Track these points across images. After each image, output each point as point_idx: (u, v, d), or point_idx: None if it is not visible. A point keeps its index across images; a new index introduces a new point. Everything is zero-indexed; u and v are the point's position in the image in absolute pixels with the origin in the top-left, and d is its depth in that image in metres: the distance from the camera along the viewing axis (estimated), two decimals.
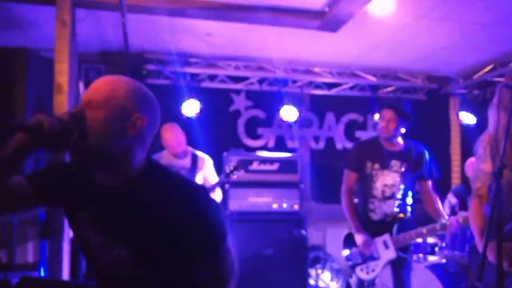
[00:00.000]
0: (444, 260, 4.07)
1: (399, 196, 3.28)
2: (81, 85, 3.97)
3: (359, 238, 3.26)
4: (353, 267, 3.37)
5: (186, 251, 1.37)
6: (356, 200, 3.44)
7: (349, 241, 3.41)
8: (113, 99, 1.28)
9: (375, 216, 3.30)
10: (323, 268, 5.31)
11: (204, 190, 1.42)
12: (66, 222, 3.04)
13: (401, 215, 3.27)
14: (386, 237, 3.25)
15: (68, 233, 3.14)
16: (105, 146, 1.27)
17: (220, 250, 1.43)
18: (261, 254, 4.70)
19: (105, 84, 1.32)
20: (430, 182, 3.37)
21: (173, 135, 4.09)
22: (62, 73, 3.08)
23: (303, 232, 4.81)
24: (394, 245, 3.23)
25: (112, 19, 3.73)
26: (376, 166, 3.28)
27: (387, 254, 3.24)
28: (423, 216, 3.41)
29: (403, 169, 3.27)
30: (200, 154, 4.29)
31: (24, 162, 1.29)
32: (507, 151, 1.97)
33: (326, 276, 5.28)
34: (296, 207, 4.96)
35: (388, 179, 3.27)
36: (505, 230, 2.04)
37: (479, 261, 1.82)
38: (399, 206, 3.29)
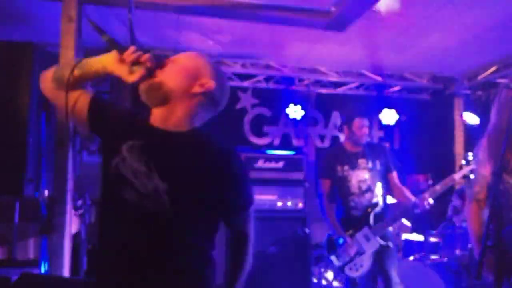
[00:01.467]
0: (446, 259, 4.10)
1: (374, 188, 3.50)
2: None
3: (340, 242, 3.46)
4: (341, 268, 3.48)
5: (220, 200, 1.51)
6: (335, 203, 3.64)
7: (332, 244, 3.55)
8: (195, 61, 1.53)
9: (357, 212, 3.49)
10: (326, 266, 5.33)
11: (242, 162, 1.63)
12: (67, 219, 3.05)
13: (373, 206, 3.47)
14: (365, 230, 3.42)
15: (70, 230, 3.15)
16: (170, 87, 1.46)
17: (248, 210, 1.60)
18: (265, 252, 4.73)
19: (193, 53, 1.58)
20: (395, 174, 3.60)
21: None
22: None
23: (307, 230, 4.84)
24: (374, 235, 3.40)
25: (119, 15, 3.76)
26: (346, 167, 3.52)
27: (370, 246, 3.40)
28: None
29: (370, 165, 3.52)
30: None
31: (97, 80, 1.54)
32: (506, 152, 1.99)
33: (329, 274, 5.30)
34: (300, 205, 4.99)
35: (360, 176, 3.50)
36: (503, 232, 2.05)
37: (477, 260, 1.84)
38: (375, 197, 3.49)
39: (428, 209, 3.40)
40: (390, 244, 3.47)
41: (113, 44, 1.47)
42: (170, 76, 1.47)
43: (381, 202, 3.51)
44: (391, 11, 3.78)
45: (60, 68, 1.54)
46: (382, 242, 3.41)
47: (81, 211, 3.68)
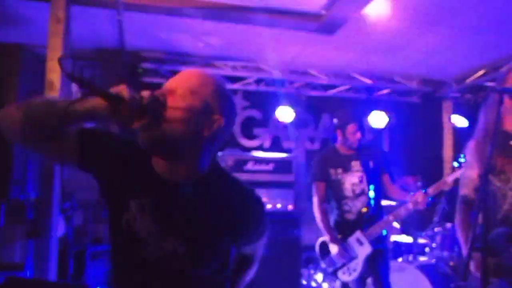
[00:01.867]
0: (434, 260, 4.12)
1: (367, 191, 3.49)
2: (74, 88, 3.97)
3: (333, 248, 3.44)
4: (335, 273, 3.47)
5: (239, 249, 1.47)
6: (328, 206, 3.62)
7: (324, 249, 3.53)
8: (201, 93, 1.26)
9: (351, 216, 3.47)
10: (316, 268, 5.34)
11: (261, 200, 1.47)
12: (54, 222, 3.01)
13: (365, 209, 3.45)
14: (358, 234, 3.41)
15: (56, 233, 3.11)
16: (177, 137, 1.23)
17: (261, 241, 1.54)
18: None
19: (195, 76, 1.30)
20: (387, 175, 3.61)
21: None
22: (54, 71, 3.06)
23: (297, 232, 4.84)
24: (367, 239, 3.38)
25: (108, 16, 3.73)
26: (339, 170, 3.52)
27: (363, 250, 3.38)
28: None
29: (363, 167, 3.52)
30: None
31: (86, 125, 1.27)
32: (494, 156, 2.01)
33: (318, 276, 5.31)
34: (290, 207, 4.99)
35: (353, 179, 3.49)
36: (491, 236, 2.07)
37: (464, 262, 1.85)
38: (369, 200, 3.48)
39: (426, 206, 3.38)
40: (383, 248, 3.47)
41: (101, 92, 1.14)
42: (176, 123, 1.22)
43: (374, 205, 3.50)
44: (381, 14, 3.80)
45: (34, 106, 1.20)
46: (376, 246, 3.40)
47: (68, 214, 3.65)
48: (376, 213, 3.50)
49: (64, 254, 3.41)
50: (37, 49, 4.46)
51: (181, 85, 1.26)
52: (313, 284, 5.23)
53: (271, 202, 4.95)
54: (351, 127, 3.49)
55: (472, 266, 2.00)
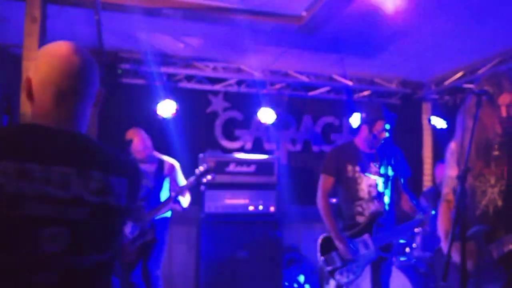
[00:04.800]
0: (414, 260, 4.16)
1: (383, 195, 3.29)
2: None
3: (340, 245, 3.21)
4: (332, 272, 3.26)
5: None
6: (336, 204, 3.43)
7: (326, 246, 3.32)
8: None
9: (362, 218, 3.27)
10: (298, 269, 5.34)
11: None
12: None
13: (379, 214, 3.25)
14: (366, 237, 3.21)
15: None
16: None
17: None
18: (236, 256, 4.70)
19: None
20: (403, 181, 3.43)
21: (139, 140, 4.06)
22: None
23: (278, 234, 4.84)
24: (374, 244, 3.19)
25: (86, 16, 3.68)
26: (357, 169, 3.29)
27: (368, 254, 3.20)
28: (401, 215, 3.46)
29: (382, 170, 3.30)
30: (167, 158, 4.25)
31: None
32: (472, 156, 2.04)
33: (301, 277, 5.31)
34: (272, 209, 4.98)
35: (371, 180, 3.29)
36: (469, 233, 2.10)
37: (443, 262, 1.87)
38: (383, 205, 3.28)
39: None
40: (389, 256, 3.28)
41: None
42: None
43: (387, 211, 3.27)
44: (361, 17, 3.82)
45: None
46: (383, 254, 3.21)
47: None
48: (387, 219, 3.27)
49: None
50: (12, 48, 4.37)
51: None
52: (295, 285, 5.24)
53: (253, 204, 4.94)
54: (379, 124, 3.27)
55: (454, 256, 2.01)
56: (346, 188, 3.32)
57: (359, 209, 3.28)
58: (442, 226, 2.31)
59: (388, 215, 3.27)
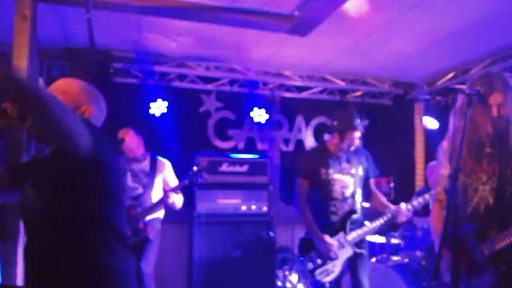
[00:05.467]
0: (406, 260, 4.17)
1: (355, 195, 3.48)
2: (41, 82, 3.86)
3: (321, 244, 3.34)
4: (312, 272, 3.41)
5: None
6: (312, 206, 3.54)
7: (305, 246, 3.47)
8: (70, 92, 1.74)
9: (336, 218, 3.43)
10: (290, 269, 5.34)
11: None
12: (21, 226, 2.93)
13: (352, 213, 3.41)
14: (340, 236, 3.37)
15: (24, 237, 3.03)
16: (57, 126, 1.59)
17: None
18: (229, 256, 4.69)
19: (63, 81, 1.80)
20: (373, 180, 3.61)
21: (130, 139, 4.04)
22: (21, 69, 2.97)
23: (271, 233, 4.84)
24: (349, 242, 3.36)
25: (77, 14, 3.65)
26: (330, 171, 3.46)
27: (344, 252, 3.35)
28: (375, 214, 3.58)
29: (353, 171, 3.49)
30: (158, 158, 4.23)
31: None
32: (464, 155, 2.05)
33: (293, 277, 5.31)
34: (265, 209, 4.98)
35: (343, 181, 3.46)
36: (461, 231, 2.11)
37: (435, 260, 1.88)
38: (355, 204, 3.47)
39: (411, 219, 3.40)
40: (365, 252, 3.43)
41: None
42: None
43: (359, 209, 3.48)
44: (354, 17, 3.83)
45: None
46: (357, 250, 3.37)
47: None
48: (360, 217, 3.48)
49: None
50: (2, 47, 4.32)
51: (53, 88, 1.74)
52: (288, 285, 5.24)
53: (246, 204, 4.94)
54: (350, 134, 3.41)
55: (444, 259, 2.02)
56: (321, 190, 3.48)
57: (333, 209, 3.44)
58: (435, 227, 2.32)
59: (360, 213, 3.47)
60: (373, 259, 4.37)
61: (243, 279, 4.72)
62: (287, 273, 5.29)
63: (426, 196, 3.31)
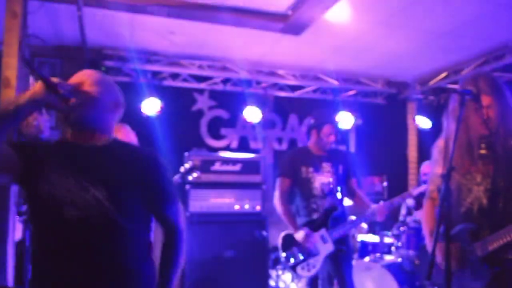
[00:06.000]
0: (400, 259, 4.18)
1: (335, 192, 3.55)
2: (31, 80, 3.82)
3: (300, 234, 3.40)
4: (293, 268, 3.46)
5: (148, 197, 1.67)
6: (294, 204, 3.63)
7: (287, 242, 3.53)
8: (102, 83, 1.68)
9: (317, 215, 3.50)
10: (284, 269, 5.33)
11: (157, 153, 1.77)
12: (10, 226, 2.89)
13: (333, 210, 3.47)
14: (322, 231, 3.42)
15: (13, 237, 2.98)
16: (94, 114, 1.63)
17: (175, 203, 1.75)
18: (222, 256, 4.67)
19: (94, 72, 1.71)
20: (354, 180, 3.68)
21: (123, 135, 4.00)
22: (11, 67, 2.92)
23: (264, 233, 4.82)
24: (331, 238, 3.41)
25: (69, 12, 3.61)
26: (311, 169, 3.55)
27: (326, 248, 3.40)
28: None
29: (333, 169, 3.57)
30: None
31: (26, 117, 1.59)
32: (456, 154, 2.04)
33: (287, 277, 5.30)
34: (258, 208, 4.96)
35: (323, 179, 3.54)
36: (454, 231, 2.11)
37: (428, 260, 1.87)
38: (336, 201, 3.53)
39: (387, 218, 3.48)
40: (346, 248, 3.49)
41: (42, 79, 1.46)
42: (92, 104, 1.64)
43: (340, 206, 3.55)
44: (347, 16, 3.83)
45: None
46: (339, 247, 3.43)
47: (25, 217, 3.50)
48: (341, 214, 3.55)
49: (21, 259, 3.26)
50: None
51: (86, 78, 1.66)
52: (281, 284, 5.23)
53: (239, 203, 4.91)
54: (326, 128, 3.53)
55: (438, 257, 2.02)
56: (301, 188, 3.56)
57: (314, 206, 3.52)
58: (427, 225, 2.32)
59: (341, 210, 3.53)
60: (367, 259, 4.38)
61: (236, 278, 4.70)
62: (280, 272, 5.28)
63: (404, 195, 3.46)
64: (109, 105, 1.70)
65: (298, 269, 3.44)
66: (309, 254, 3.41)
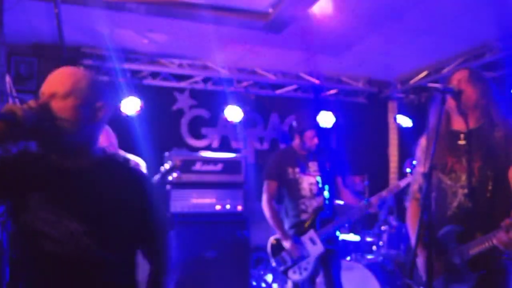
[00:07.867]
0: (381, 258, 4.19)
1: (323, 191, 3.52)
2: (8, 79, 3.71)
3: (287, 244, 3.41)
4: (285, 272, 3.44)
5: (136, 229, 1.52)
6: (282, 206, 3.60)
7: (276, 247, 3.51)
8: (78, 89, 1.42)
9: (306, 215, 3.47)
10: (265, 269, 5.31)
11: (150, 180, 1.65)
12: None
13: (321, 210, 3.46)
14: (311, 233, 3.40)
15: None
16: (73, 131, 1.40)
17: (164, 235, 1.64)
18: (203, 256, 4.62)
19: (68, 76, 1.45)
20: (341, 178, 3.67)
21: (104, 137, 3.91)
22: None
23: (246, 233, 4.79)
24: (320, 238, 3.38)
25: (45, 9, 3.52)
26: (297, 170, 3.52)
27: (316, 249, 3.38)
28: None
29: (320, 168, 3.55)
30: (132, 157, 4.11)
31: None
32: (438, 152, 2.03)
33: (268, 277, 5.29)
34: (239, 208, 4.92)
35: (311, 179, 3.51)
36: (442, 232, 2.09)
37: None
38: (324, 201, 3.51)
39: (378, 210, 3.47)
40: (336, 247, 3.48)
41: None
42: (67, 121, 1.42)
43: (328, 205, 3.52)
44: (327, 14, 3.82)
45: None
46: (329, 247, 3.41)
47: (2, 219, 3.40)
48: (330, 214, 3.52)
49: None
50: None
51: (58, 87, 1.41)
52: (263, 284, 5.21)
53: (220, 203, 4.86)
54: (309, 133, 3.51)
55: (419, 265, 2.01)
56: (289, 189, 3.53)
57: (303, 207, 3.49)
58: (411, 226, 2.29)
59: (329, 209, 3.51)
60: (348, 258, 4.38)
61: (218, 279, 4.66)
62: (262, 272, 5.26)
63: (392, 187, 3.42)
64: (89, 114, 1.44)
65: (290, 273, 3.42)
66: (299, 257, 3.39)
